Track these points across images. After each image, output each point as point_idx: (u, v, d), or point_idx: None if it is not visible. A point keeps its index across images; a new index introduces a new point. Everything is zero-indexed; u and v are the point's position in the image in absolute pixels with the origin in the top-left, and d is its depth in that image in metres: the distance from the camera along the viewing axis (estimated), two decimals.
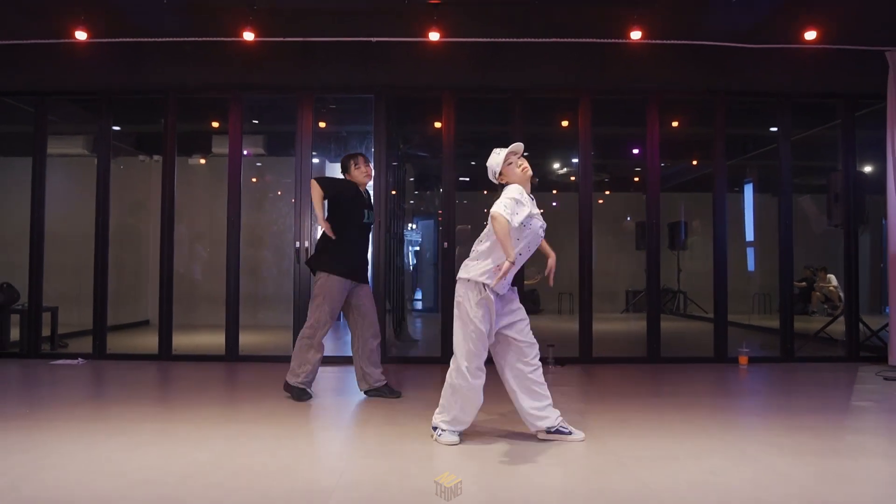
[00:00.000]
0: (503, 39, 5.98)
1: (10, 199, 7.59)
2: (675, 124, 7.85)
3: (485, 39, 5.99)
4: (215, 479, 2.83)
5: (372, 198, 4.79)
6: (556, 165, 11.42)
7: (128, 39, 5.98)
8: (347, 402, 4.52)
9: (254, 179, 9.29)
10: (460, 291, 3.34)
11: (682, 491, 2.70)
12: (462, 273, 3.36)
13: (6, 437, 3.44)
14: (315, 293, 4.43)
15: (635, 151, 8.83)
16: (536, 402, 3.39)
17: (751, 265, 10.81)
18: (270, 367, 5.60)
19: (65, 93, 6.50)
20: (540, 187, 3.52)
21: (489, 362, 3.43)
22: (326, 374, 5.61)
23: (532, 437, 3.45)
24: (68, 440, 3.37)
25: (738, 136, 9.31)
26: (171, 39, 5.95)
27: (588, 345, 6.15)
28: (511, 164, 3.38)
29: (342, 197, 4.49)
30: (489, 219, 3.22)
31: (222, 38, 5.88)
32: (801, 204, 9.21)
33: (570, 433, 3.42)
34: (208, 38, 5.94)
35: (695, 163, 10.75)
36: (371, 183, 4.74)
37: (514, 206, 3.19)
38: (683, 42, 5.98)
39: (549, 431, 3.41)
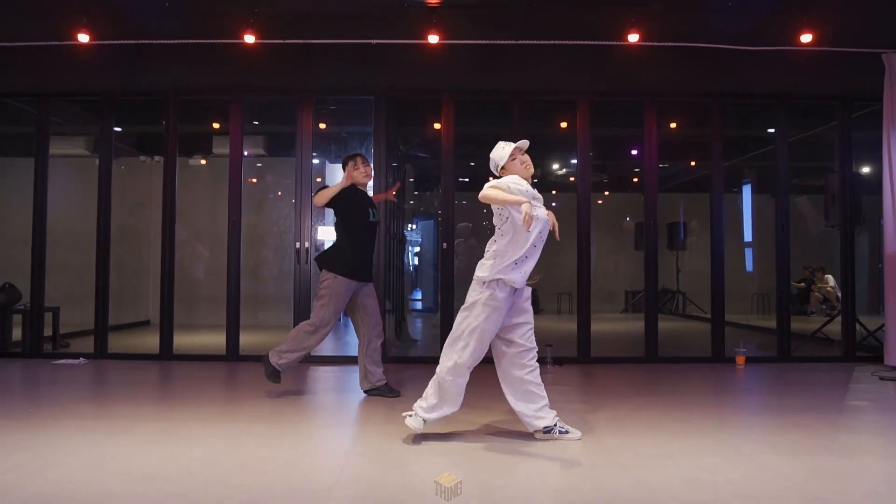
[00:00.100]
0: (502, 42, 6.02)
1: (13, 200, 7.64)
2: (673, 125, 7.89)
3: (484, 42, 6.03)
4: (217, 476, 2.86)
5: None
6: (556, 166, 11.45)
7: (129, 41, 6.02)
8: (347, 401, 4.57)
9: (254, 180, 9.32)
10: (476, 289, 3.37)
11: (676, 488, 2.74)
12: (478, 272, 3.40)
13: (10, 435, 3.48)
14: (321, 293, 4.46)
15: (634, 152, 8.86)
16: (533, 405, 3.44)
17: (749, 265, 10.85)
18: None
19: (67, 94, 6.54)
20: (539, 188, 3.55)
21: (489, 362, 3.47)
22: (327, 374, 5.66)
23: (530, 436, 3.49)
24: (71, 438, 3.41)
25: (737, 137, 9.35)
26: (172, 41, 5.99)
27: (586, 345, 6.19)
28: (515, 159, 3.44)
29: (345, 199, 4.52)
30: (488, 202, 3.25)
31: (223, 40, 5.92)
32: (799, 205, 9.24)
33: (567, 432, 3.46)
34: (209, 41, 5.98)
35: (693, 164, 10.78)
36: (371, 183, 4.78)
37: (508, 183, 3.23)
38: (681, 44, 6.01)
39: (546, 431, 3.45)
